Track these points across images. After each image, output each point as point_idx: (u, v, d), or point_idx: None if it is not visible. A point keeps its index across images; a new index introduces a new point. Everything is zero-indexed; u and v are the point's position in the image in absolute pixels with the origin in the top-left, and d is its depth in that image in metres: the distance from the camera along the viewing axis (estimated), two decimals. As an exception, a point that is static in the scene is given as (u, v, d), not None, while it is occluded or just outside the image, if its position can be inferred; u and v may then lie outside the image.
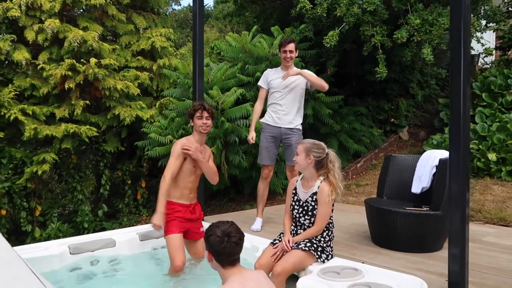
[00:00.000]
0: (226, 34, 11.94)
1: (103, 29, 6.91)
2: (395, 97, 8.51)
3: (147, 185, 7.41)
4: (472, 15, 6.70)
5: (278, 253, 2.77)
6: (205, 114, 3.20)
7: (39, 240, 6.05)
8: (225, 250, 1.88)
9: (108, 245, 3.49)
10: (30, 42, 6.40)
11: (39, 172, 5.85)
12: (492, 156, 5.85)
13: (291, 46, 4.02)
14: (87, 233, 6.34)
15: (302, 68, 6.33)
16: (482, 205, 4.78)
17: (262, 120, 4.24)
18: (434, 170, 3.61)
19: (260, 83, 4.27)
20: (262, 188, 4.22)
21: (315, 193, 2.82)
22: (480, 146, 6.08)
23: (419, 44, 6.46)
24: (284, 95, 4.08)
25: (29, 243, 5.99)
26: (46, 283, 1.46)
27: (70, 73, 6.07)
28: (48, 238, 6.07)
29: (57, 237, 6.05)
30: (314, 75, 4.18)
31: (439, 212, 3.30)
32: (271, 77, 4.15)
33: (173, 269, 3.00)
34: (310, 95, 6.70)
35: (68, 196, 6.77)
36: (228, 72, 6.33)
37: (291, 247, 2.73)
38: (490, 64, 8.95)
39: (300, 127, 4.20)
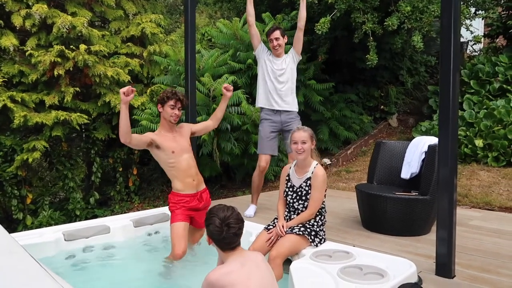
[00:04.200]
0: (216, 20, 11.84)
1: (92, 15, 6.80)
2: (385, 84, 8.58)
3: (139, 172, 7.42)
4: (461, 3, 6.75)
5: (272, 238, 2.83)
6: (178, 104, 3.05)
7: (31, 228, 6.04)
8: (224, 240, 1.88)
9: (103, 231, 3.50)
10: (17, 28, 6.27)
11: (30, 160, 5.81)
12: (479, 143, 5.97)
13: (277, 34, 4.05)
14: (79, 220, 6.34)
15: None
16: (468, 190, 4.91)
17: (260, 105, 4.19)
18: (423, 156, 3.70)
19: (262, 43, 4.20)
20: (258, 180, 4.22)
21: (309, 178, 2.88)
22: (467, 132, 6.20)
23: (409, 31, 6.51)
24: (276, 76, 4.08)
25: (21, 230, 5.98)
26: (48, 270, 1.49)
27: (59, 59, 5.99)
28: (39, 225, 6.06)
29: (49, 225, 6.05)
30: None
31: (428, 196, 3.40)
32: (264, 54, 4.14)
33: (173, 256, 2.99)
34: (301, 82, 6.73)
35: (59, 184, 6.73)
36: (219, 59, 6.31)
37: (285, 232, 2.80)
38: (478, 52, 9.06)
39: (296, 110, 4.22)
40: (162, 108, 3.08)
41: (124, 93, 2.69)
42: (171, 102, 3.04)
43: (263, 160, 4.15)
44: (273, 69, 4.09)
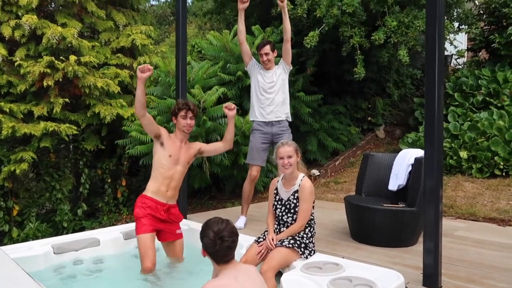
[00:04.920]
0: (205, 31, 11.92)
1: (82, 26, 6.81)
2: (372, 96, 8.74)
3: (127, 183, 7.37)
4: (445, 18, 6.96)
5: (263, 251, 2.86)
6: (190, 114, 3.19)
7: (17, 240, 5.95)
8: (218, 252, 1.91)
9: (92, 244, 3.49)
10: (6, 38, 6.25)
11: (17, 171, 5.75)
12: (463, 154, 6.11)
13: (267, 49, 4.14)
14: (67, 232, 6.27)
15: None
16: (454, 201, 5.02)
17: (252, 118, 4.27)
18: (410, 168, 3.78)
19: (253, 58, 4.28)
20: (249, 189, 4.25)
21: (296, 191, 2.93)
22: (452, 144, 6.34)
23: (395, 45, 6.67)
24: (267, 88, 4.15)
25: (7, 243, 5.89)
26: (39, 283, 1.51)
27: (48, 70, 5.97)
28: (26, 238, 5.98)
29: (36, 237, 5.96)
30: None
31: (415, 208, 3.47)
32: (256, 69, 4.22)
33: (143, 270, 2.97)
34: (290, 94, 6.81)
35: (46, 195, 6.65)
36: (209, 71, 6.37)
37: (275, 245, 2.83)
38: (462, 65, 9.30)
39: (289, 119, 4.30)
40: (176, 120, 3.22)
41: (140, 70, 2.94)
42: (182, 113, 3.18)
43: (254, 170, 4.20)
44: (264, 83, 4.16)
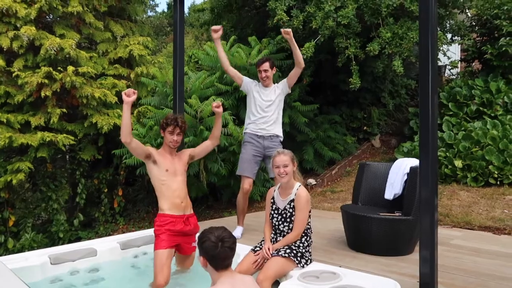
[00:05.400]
0: (202, 41, 12.02)
1: (80, 37, 6.87)
2: (367, 106, 8.82)
3: (124, 193, 7.37)
4: (438, 29, 7.08)
5: (259, 260, 2.87)
6: (177, 130, 3.17)
7: (13, 251, 5.92)
8: (220, 255, 1.94)
9: (89, 254, 3.48)
10: (4, 49, 6.29)
11: (14, 182, 5.74)
12: (458, 163, 6.16)
13: (266, 65, 4.16)
14: (63, 243, 6.24)
15: (279, 77, 6.51)
16: (449, 210, 5.05)
17: (245, 131, 4.28)
18: (406, 177, 3.82)
19: (244, 78, 4.30)
20: (243, 202, 4.24)
21: (292, 200, 2.95)
22: (447, 153, 6.40)
23: (390, 56, 6.76)
24: (264, 107, 4.18)
25: (2, 254, 5.86)
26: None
27: (46, 81, 6.01)
28: (22, 248, 5.94)
29: (32, 248, 5.93)
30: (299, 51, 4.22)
31: (411, 217, 3.50)
32: (252, 88, 4.24)
33: (155, 285, 2.97)
34: (287, 103, 6.87)
35: (42, 206, 6.63)
36: (206, 81, 6.42)
37: (271, 254, 2.84)
38: (455, 75, 9.42)
39: (281, 138, 4.31)
40: (163, 133, 3.21)
41: (125, 94, 2.92)
42: (170, 128, 3.16)
43: (246, 183, 4.17)
44: (261, 101, 4.17)
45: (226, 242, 1.96)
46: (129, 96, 2.93)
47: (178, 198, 3.16)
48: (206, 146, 3.54)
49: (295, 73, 4.20)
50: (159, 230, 3.09)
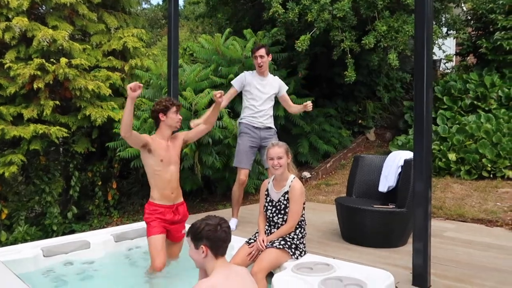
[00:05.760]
0: (197, 34, 11.95)
1: (73, 28, 6.78)
2: (362, 99, 8.82)
3: (118, 186, 7.33)
4: (434, 23, 7.08)
5: (253, 252, 2.87)
6: (179, 109, 3.22)
7: (6, 244, 5.88)
8: (221, 236, 2.00)
9: (83, 246, 3.47)
10: (-5, 40, 6.21)
11: (6, 174, 5.69)
12: (452, 156, 6.20)
13: (262, 51, 4.15)
14: (56, 235, 6.21)
15: (274, 70, 6.49)
16: (443, 202, 5.08)
17: (242, 121, 4.26)
18: (400, 170, 3.83)
19: (234, 82, 4.29)
20: (238, 193, 4.25)
21: (287, 192, 2.94)
22: (441, 146, 6.43)
23: (385, 49, 6.76)
24: (263, 101, 4.19)
25: (-5, 246, 5.82)
26: (29, 285, 1.51)
27: (39, 72, 5.94)
28: (15, 241, 5.91)
29: (25, 240, 5.90)
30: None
31: (404, 209, 3.51)
32: (248, 81, 4.22)
33: (153, 269, 3.01)
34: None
35: (35, 198, 6.59)
36: (201, 74, 6.38)
37: (265, 246, 2.84)
38: (450, 69, 9.45)
39: (275, 129, 4.34)
40: (165, 116, 3.14)
41: (131, 88, 2.78)
42: (175, 108, 3.15)
43: (243, 174, 4.18)
44: (261, 94, 4.17)
45: (223, 225, 2.03)
46: (135, 90, 2.80)
47: (170, 189, 3.17)
48: (200, 130, 3.49)
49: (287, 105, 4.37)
50: (149, 218, 3.12)
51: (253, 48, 4.29)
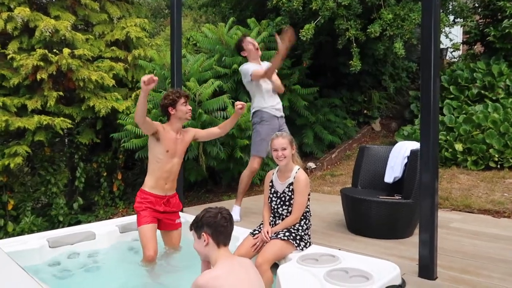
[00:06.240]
0: (201, 24, 11.85)
1: (75, 18, 6.74)
2: (368, 89, 8.74)
3: (123, 177, 7.35)
4: (441, 11, 6.95)
5: (258, 243, 2.86)
6: (187, 100, 3.21)
7: (12, 235, 5.92)
8: (221, 222, 1.99)
9: (88, 237, 3.48)
10: (-2, 31, 6.18)
11: (12, 165, 5.71)
12: (458, 147, 6.13)
13: (250, 39, 4.21)
14: (62, 226, 6.25)
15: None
16: (449, 193, 5.04)
17: (263, 109, 4.11)
18: (406, 160, 3.79)
19: (253, 68, 4.09)
20: (247, 180, 4.18)
21: (291, 183, 2.92)
22: (447, 137, 6.36)
23: (391, 38, 6.65)
24: (272, 88, 4.16)
25: (2, 237, 5.87)
26: (34, 278, 1.49)
27: (42, 63, 5.91)
28: (21, 232, 5.95)
29: (31, 231, 5.94)
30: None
31: (410, 200, 3.48)
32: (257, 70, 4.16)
33: (145, 259, 3.00)
34: (286, 87, 6.81)
35: (41, 189, 6.62)
36: (204, 64, 6.33)
37: (270, 238, 2.83)
38: (457, 58, 9.31)
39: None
40: (174, 109, 3.14)
41: (144, 82, 2.76)
42: (183, 100, 3.14)
43: (257, 162, 4.13)
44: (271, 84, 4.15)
45: (224, 212, 2.03)
46: (149, 84, 2.79)
47: (165, 180, 3.18)
48: (212, 133, 3.53)
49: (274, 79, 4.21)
50: (139, 207, 3.13)
51: (242, 38, 4.25)
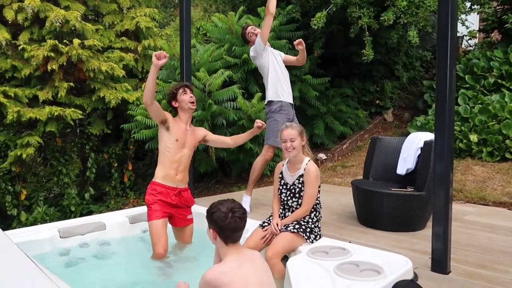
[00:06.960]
0: (211, 14, 11.75)
1: (85, 9, 6.72)
2: (380, 79, 8.58)
3: (134, 167, 7.39)
4: (457, -3, 6.75)
5: (267, 236, 2.82)
6: (187, 90, 3.18)
7: (26, 224, 6.01)
8: (230, 225, 1.90)
9: (98, 228, 3.49)
10: (9, 22, 6.19)
11: (24, 156, 5.76)
12: (473, 138, 6.00)
13: (253, 27, 4.24)
14: (74, 216, 6.32)
15: (289, 50, 6.32)
16: (463, 185, 4.94)
17: (280, 99, 3.99)
18: (419, 151, 3.70)
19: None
20: (260, 169, 4.12)
21: (301, 175, 2.87)
22: (462, 127, 6.22)
23: (405, 26, 6.49)
24: (286, 75, 4.10)
25: (15, 227, 5.96)
26: (42, 268, 1.47)
27: (52, 54, 5.92)
28: (34, 222, 6.04)
29: (44, 221, 6.02)
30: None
31: (423, 192, 3.41)
32: (276, 55, 4.11)
33: (155, 256, 2.98)
34: (297, 77, 6.72)
35: (53, 179, 6.69)
36: (214, 54, 6.27)
37: (280, 230, 2.79)
38: (473, 47, 9.07)
39: None
40: (177, 102, 3.16)
41: (156, 56, 2.88)
42: (181, 90, 3.15)
43: (271, 151, 4.09)
44: (279, 62, 4.09)
45: (236, 212, 1.92)
46: (160, 59, 2.89)
47: (175, 170, 3.15)
48: (223, 141, 3.52)
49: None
50: (150, 200, 3.09)
51: (243, 32, 4.25)
